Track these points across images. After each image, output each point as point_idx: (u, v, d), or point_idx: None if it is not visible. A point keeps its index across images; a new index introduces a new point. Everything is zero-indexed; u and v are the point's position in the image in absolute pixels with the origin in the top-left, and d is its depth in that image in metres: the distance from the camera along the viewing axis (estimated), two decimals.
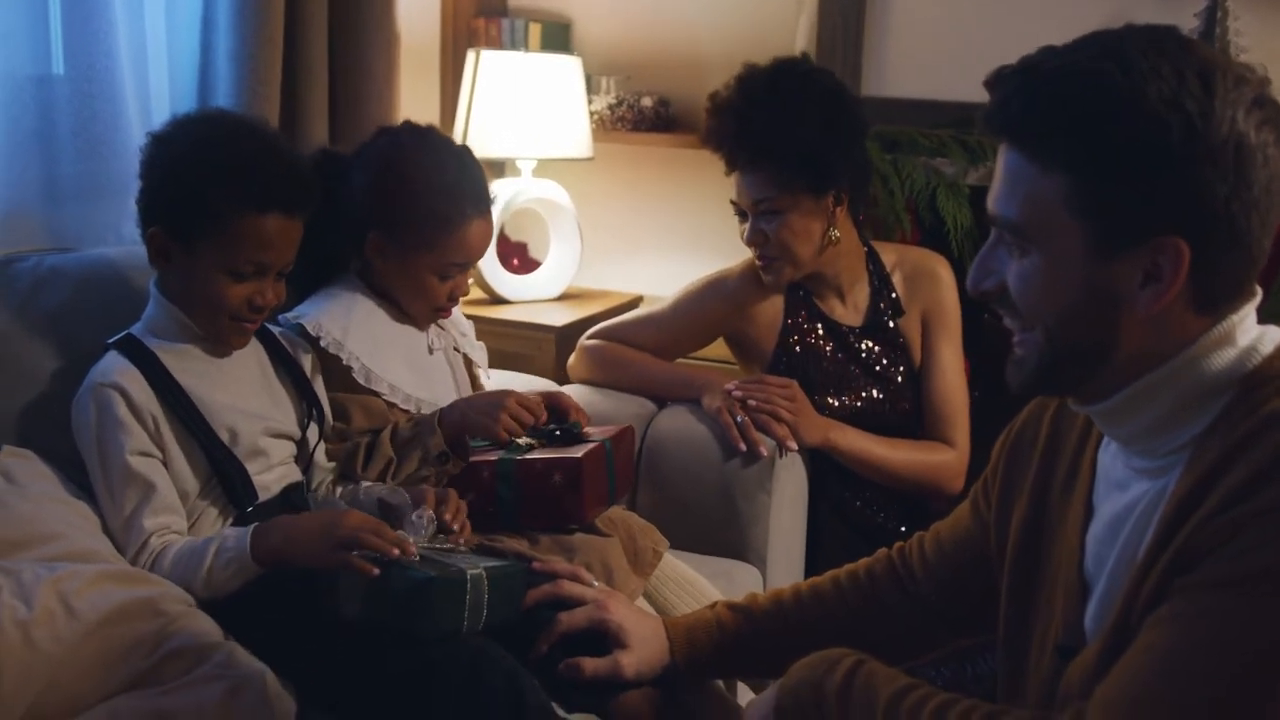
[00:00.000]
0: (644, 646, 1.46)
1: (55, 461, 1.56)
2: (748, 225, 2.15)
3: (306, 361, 1.73)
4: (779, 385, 2.11)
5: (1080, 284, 1.04)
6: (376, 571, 1.38)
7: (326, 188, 1.72)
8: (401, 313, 1.84)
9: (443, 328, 1.92)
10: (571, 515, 1.73)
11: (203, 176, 1.50)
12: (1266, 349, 1.05)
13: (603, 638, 1.47)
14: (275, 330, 1.72)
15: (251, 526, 1.47)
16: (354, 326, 1.77)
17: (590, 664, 1.44)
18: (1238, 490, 0.97)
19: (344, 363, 1.73)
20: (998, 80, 1.06)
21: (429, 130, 1.83)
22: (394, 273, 1.79)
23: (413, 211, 1.75)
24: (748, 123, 2.06)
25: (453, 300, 1.84)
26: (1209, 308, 1.04)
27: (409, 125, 1.85)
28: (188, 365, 1.56)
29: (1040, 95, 1.03)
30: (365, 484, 1.71)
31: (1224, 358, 1.04)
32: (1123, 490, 1.13)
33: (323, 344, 1.73)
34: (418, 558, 1.42)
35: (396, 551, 1.40)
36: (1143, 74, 0.98)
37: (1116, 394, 1.08)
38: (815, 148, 2.04)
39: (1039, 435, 1.28)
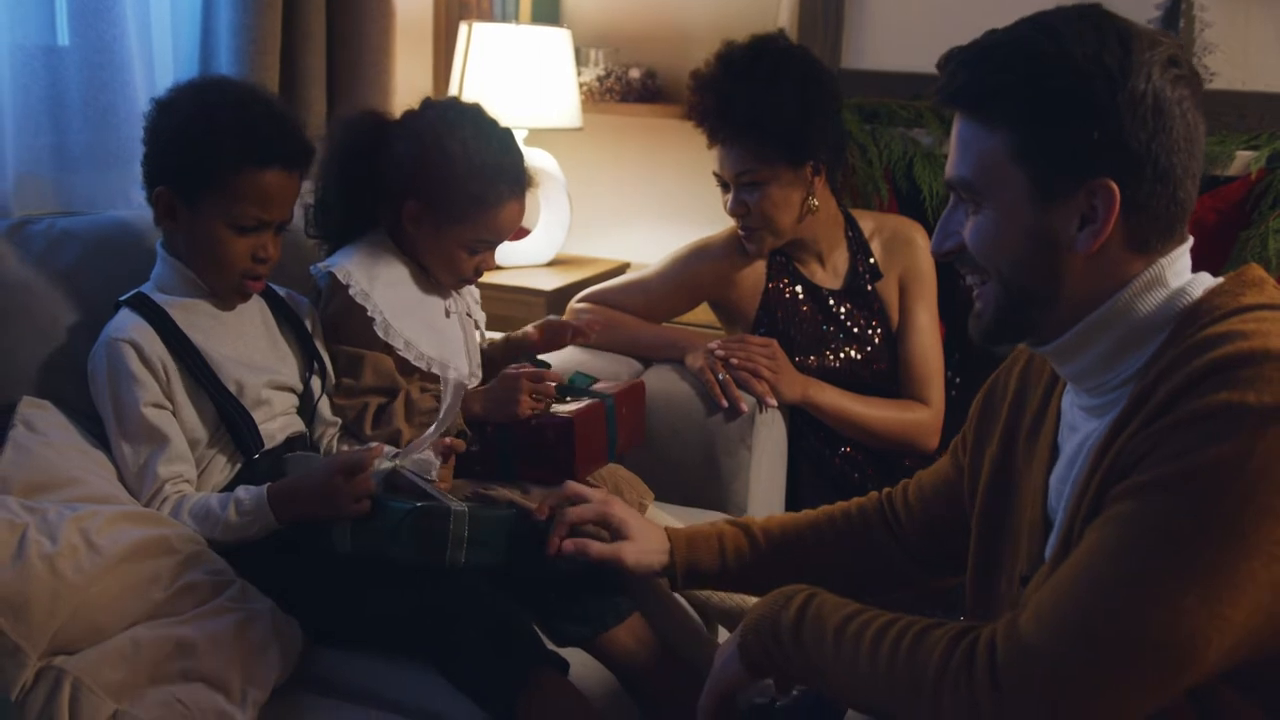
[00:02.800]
0: (645, 540, 1.57)
1: (70, 412, 1.64)
2: (730, 196, 2.23)
3: (309, 319, 1.81)
4: (760, 344, 2.20)
5: (1027, 230, 1.17)
6: (367, 508, 1.49)
7: (365, 149, 1.81)
8: (424, 274, 1.90)
9: (459, 293, 1.98)
10: (565, 471, 1.81)
11: (207, 136, 1.59)
12: (1197, 292, 1.15)
13: (602, 574, 1.60)
14: (280, 290, 1.80)
15: (265, 488, 1.55)
16: (380, 280, 1.83)
17: (596, 547, 1.55)
18: (1159, 407, 1.07)
19: (368, 313, 1.79)
20: (947, 59, 1.21)
21: (476, 108, 1.89)
22: (426, 241, 1.85)
23: (453, 186, 1.80)
24: (728, 99, 2.14)
25: (477, 274, 1.91)
26: (1142, 247, 1.15)
27: (455, 101, 1.92)
28: (195, 320, 1.64)
29: (981, 65, 1.17)
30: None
31: (1156, 297, 1.15)
32: (1074, 431, 1.24)
33: (351, 291, 1.78)
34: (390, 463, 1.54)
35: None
36: (1069, 38, 1.12)
37: (1065, 334, 1.19)
38: (792, 122, 2.13)
39: (1008, 388, 1.39)
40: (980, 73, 1.17)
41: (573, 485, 1.63)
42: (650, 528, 1.60)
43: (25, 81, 1.96)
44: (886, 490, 1.60)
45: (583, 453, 1.83)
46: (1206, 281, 1.17)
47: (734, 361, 2.18)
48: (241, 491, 1.56)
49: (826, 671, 1.21)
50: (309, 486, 1.53)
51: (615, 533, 1.57)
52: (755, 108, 2.12)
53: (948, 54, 1.21)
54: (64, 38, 2.06)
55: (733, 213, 2.24)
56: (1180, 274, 1.17)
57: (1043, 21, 1.15)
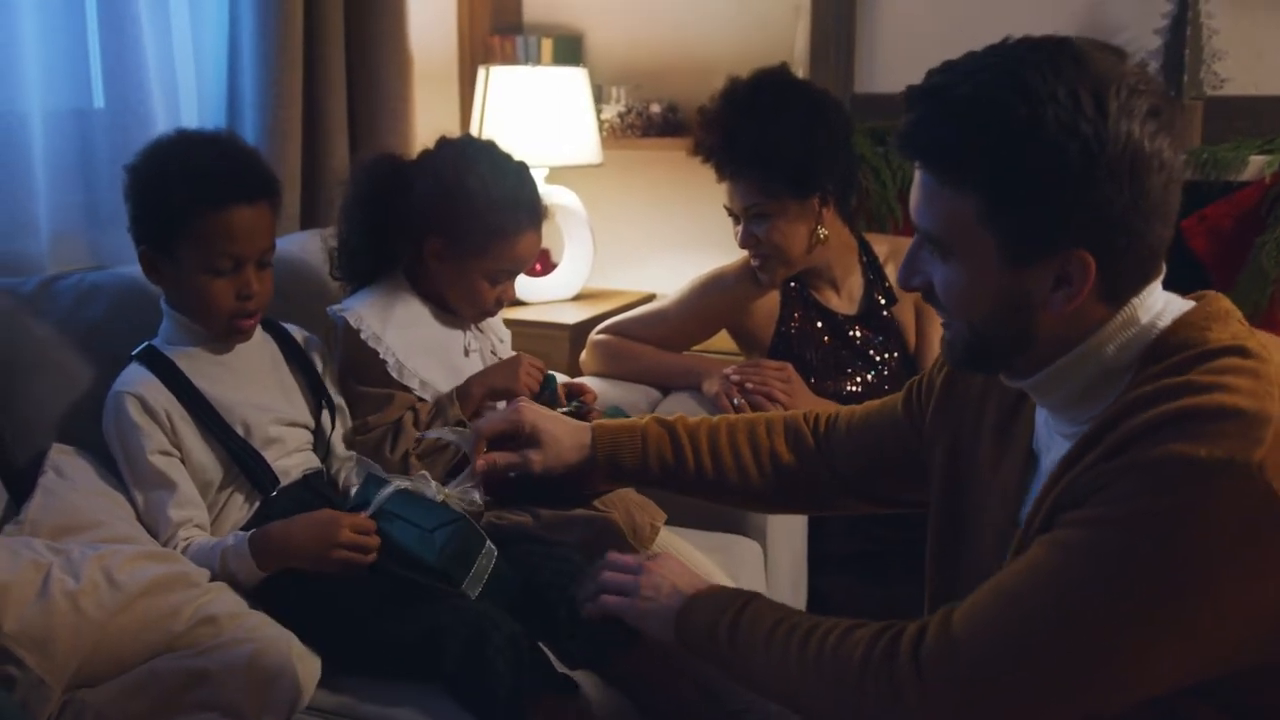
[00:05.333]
0: (555, 445, 1.59)
1: (98, 458, 1.72)
2: (740, 228, 2.27)
3: (318, 357, 1.87)
4: (774, 368, 2.23)
5: (997, 290, 1.14)
6: (370, 560, 1.54)
7: (383, 190, 1.88)
8: (442, 312, 1.95)
9: (481, 330, 2.03)
10: (574, 485, 1.85)
11: (163, 188, 1.66)
12: (1164, 323, 1.14)
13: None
14: (290, 328, 1.87)
15: (249, 535, 1.60)
16: (394, 322, 1.89)
17: (501, 457, 1.58)
18: (1116, 446, 1.08)
19: (379, 356, 1.85)
20: (908, 101, 1.15)
21: (490, 144, 1.96)
22: (448, 275, 1.91)
23: (473, 220, 1.86)
24: (731, 135, 2.19)
25: (499, 305, 1.96)
26: (1115, 296, 1.14)
27: (470, 138, 1.99)
28: (200, 367, 1.71)
29: (947, 124, 1.11)
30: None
31: (1126, 336, 1.14)
32: (1048, 451, 1.25)
33: (362, 336, 1.85)
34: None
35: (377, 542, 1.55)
36: (1040, 99, 1.06)
37: (1037, 373, 1.19)
38: (796, 156, 2.15)
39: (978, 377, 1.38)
40: (946, 132, 1.11)
41: (486, 415, 1.65)
42: (567, 426, 1.62)
43: (58, 144, 2.06)
44: (823, 417, 1.60)
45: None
46: (1175, 309, 1.16)
47: (749, 386, 2.21)
48: (231, 539, 1.61)
49: (757, 675, 1.26)
50: (296, 544, 1.57)
51: (527, 441, 1.59)
52: (758, 143, 2.16)
53: (909, 94, 1.15)
54: (99, 100, 2.16)
55: (743, 244, 2.27)
56: (1150, 308, 1.15)
57: (1013, 72, 1.08)
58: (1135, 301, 1.14)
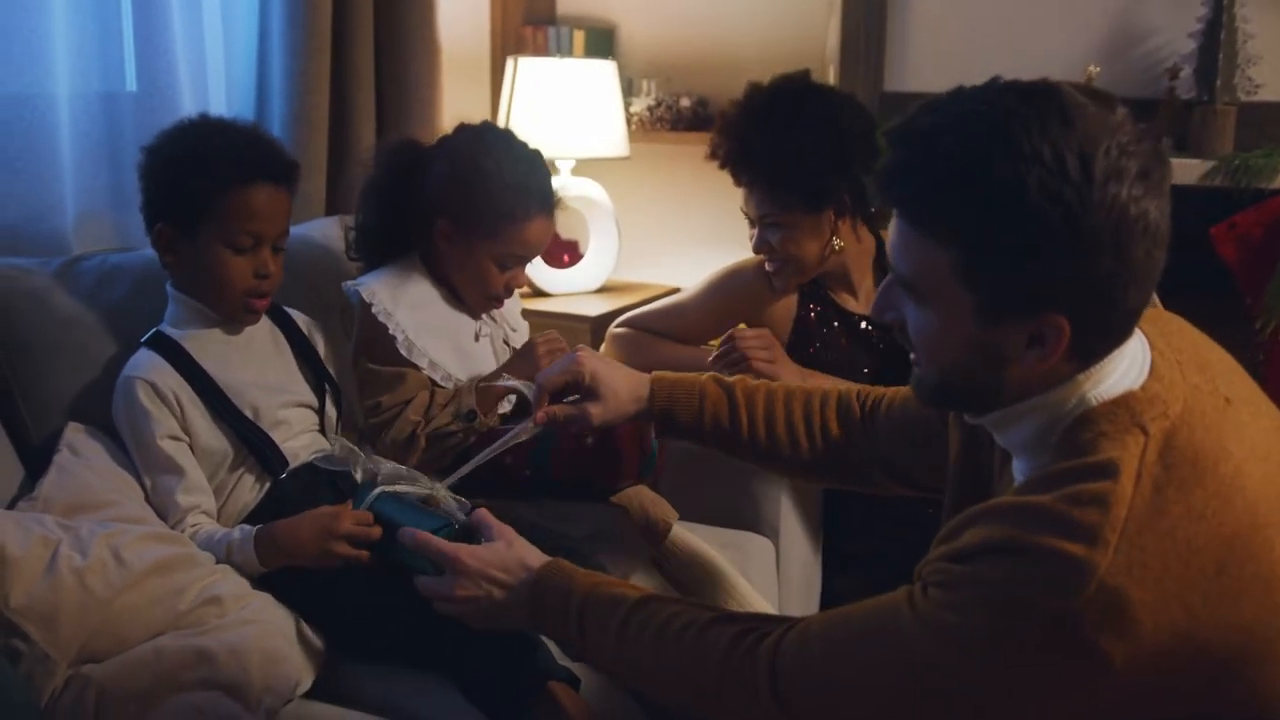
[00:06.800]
0: (614, 397, 1.60)
1: (113, 437, 1.74)
2: (755, 233, 2.25)
3: (321, 340, 1.89)
4: (753, 336, 2.20)
5: (969, 343, 1.12)
6: (366, 556, 1.56)
7: (402, 174, 1.91)
8: (455, 297, 1.97)
9: (494, 319, 2.04)
10: (601, 473, 1.86)
11: (192, 166, 1.69)
12: (1103, 397, 1.12)
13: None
14: (293, 313, 1.89)
15: (254, 533, 1.61)
16: (405, 300, 1.90)
17: (561, 410, 1.60)
18: (973, 546, 1.10)
19: (389, 331, 1.87)
20: (890, 140, 1.11)
21: (506, 131, 1.99)
22: (458, 257, 1.93)
23: (483, 201, 1.88)
24: (745, 145, 2.17)
25: (508, 291, 1.97)
26: (1085, 356, 1.12)
27: (488, 124, 2.01)
28: (208, 348, 1.73)
29: (927, 175, 1.08)
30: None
31: (1073, 402, 1.13)
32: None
33: (374, 310, 1.86)
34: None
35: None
36: (1025, 158, 1.02)
37: (994, 412, 1.19)
38: (808, 170, 2.13)
39: None
40: (926, 187, 1.08)
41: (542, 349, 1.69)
42: (626, 377, 1.62)
43: (85, 127, 2.08)
44: (872, 397, 1.61)
45: (629, 455, 1.87)
46: (1128, 381, 1.13)
47: (734, 356, 2.18)
48: (236, 533, 1.63)
49: (610, 663, 1.33)
50: (297, 541, 1.58)
51: (587, 393, 1.60)
52: (771, 155, 2.14)
53: (891, 134, 1.11)
54: (132, 84, 2.19)
55: (757, 250, 2.26)
56: (1103, 378, 1.13)
57: (998, 125, 1.04)
58: (1100, 364, 1.13)
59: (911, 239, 1.11)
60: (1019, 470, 1.22)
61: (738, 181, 2.23)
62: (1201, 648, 1.03)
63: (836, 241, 2.22)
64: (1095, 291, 1.06)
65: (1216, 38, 2.56)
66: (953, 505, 1.38)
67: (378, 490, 1.58)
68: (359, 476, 1.69)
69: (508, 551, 1.40)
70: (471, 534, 1.46)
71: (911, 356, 1.22)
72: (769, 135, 2.14)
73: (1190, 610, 1.03)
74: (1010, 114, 1.04)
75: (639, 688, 1.35)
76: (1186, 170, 2.55)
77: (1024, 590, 1.04)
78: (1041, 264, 1.05)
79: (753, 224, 2.26)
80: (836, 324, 2.32)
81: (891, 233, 1.14)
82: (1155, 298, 1.16)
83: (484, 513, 1.47)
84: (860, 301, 2.33)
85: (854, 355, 2.30)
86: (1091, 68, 2.61)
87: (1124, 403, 1.11)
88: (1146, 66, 2.73)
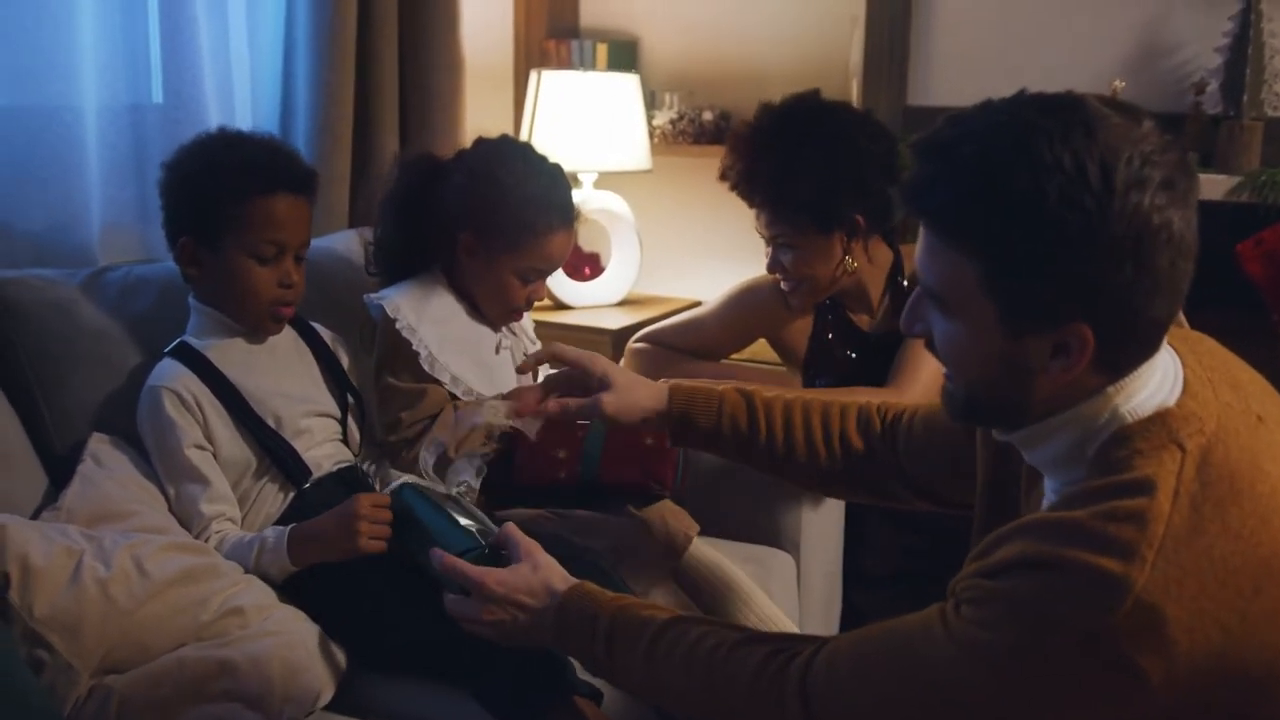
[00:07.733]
0: (631, 392, 1.57)
1: (137, 448, 1.75)
2: (770, 252, 2.24)
3: (344, 353, 1.90)
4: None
5: (996, 354, 1.12)
6: (383, 546, 1.56)
7: (420, 188, 1.92)
8: (477, 311, 1.98)
9: (513, 331, 2.04)
10: (650, 474, 1.88)
11: (212, 179, 1.71)
12: (1140, 412, 1.11)
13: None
14: (316, 326, 1.90)
15: (288, 531, 1.63)
16: (428, 316, 1.91)
17: (574, 401, 1.58)
18: (1006, 562, 1.09)
19: (413, 347, 1.87)
20: (915, 154, 1.12)
21: (526, 145, 2.00)
22: (479, 271, 1.93)
23: (504, 215, 1.89)
24: (754, 167, 2.15)
25: (529, 304, 1.98)
26: (1112, 368, 1.12)
27: (506, 138, 2.01)
28: (231, 358, 1.75)
29: (951, 186, 1.08)
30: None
31: (1105, 417, 1.12)
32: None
33: (397, 325, 1.87)
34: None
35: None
36: (1045, 167, 1.03)
37: (1023, 428, 1.18)
38: (816, 192, 2.11)
39: None
40: (951, 198, 1.09)
41: (559, 346, 1.64)
42: (643, 381, 1.60)
43: (111, 139, 2.10)
44: (893, 413, 1.60)
45: (672, 460, 1.90)
46: (1159, 398, 1.12)
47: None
48: (270, 533, 1.64)
49: (638, 683, 1.32)
50: (323, 531, 1.60)
51: (599, 384, 1.58)
52: (778, 178, 2.12)
53: (916, 146, 1.12)
54: (158, 96, 2.21)
55: (770, 270, 2.25)
56: (1135, 392, 1.12)
57: (1020, 136, 1.05)
58: (1129, 378, 1.12)
59: (938, 251, 1.12)
60: (1050, 488, 1.21)
61: (747, 202, 2.22)
62: (1236, 668, 1.03)
63: (850, 261, 2.20)
64: (1118, 301, 1.06)
65: (1244, 52, 2.54)
66: (982, 524, 1.37)
67: (400, 480, 1.59)
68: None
69: (533, 576, 1.39)
70: (498, 552, 1.45)
71: (944, 373, 1.21)
72: (777, 157, 2.13)
73: (1226, 630, 1.02)
74: (1033, 125, 1.05)
75: (667, 708, 1.34)
76: (1212, 186, 2.53)
77: (1057, 606, 1.04)
78: (1061, 272, 1.05)
79: (768, 243, 2.26)
80: (850, 339, 2.31)
81: (919, 245, 1.14)
82: (1182, 316, 1.15)
83: (511, 529, 1.45)
84: (875, 317, 2.32)
85: (868, 371, 2.28)
86: (1117, 82, 2.60)
87: (1160, 419, 1.11)
88: (1172, 81, 2.71)
